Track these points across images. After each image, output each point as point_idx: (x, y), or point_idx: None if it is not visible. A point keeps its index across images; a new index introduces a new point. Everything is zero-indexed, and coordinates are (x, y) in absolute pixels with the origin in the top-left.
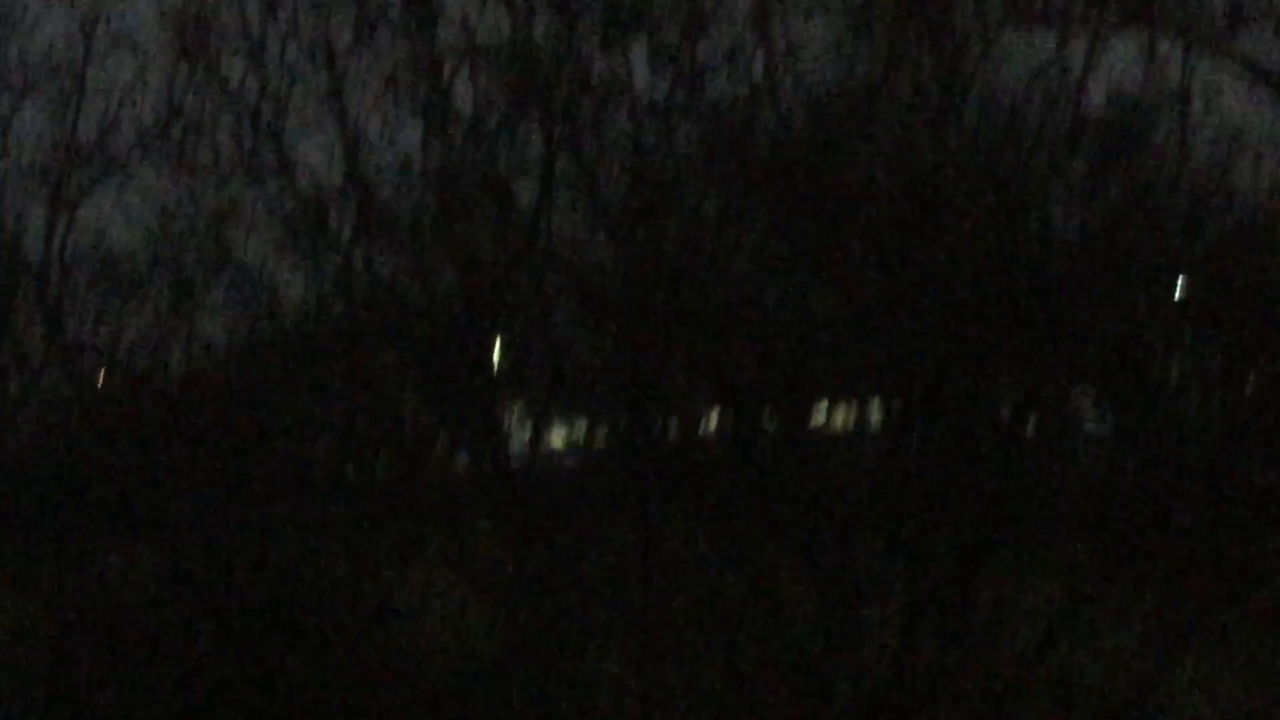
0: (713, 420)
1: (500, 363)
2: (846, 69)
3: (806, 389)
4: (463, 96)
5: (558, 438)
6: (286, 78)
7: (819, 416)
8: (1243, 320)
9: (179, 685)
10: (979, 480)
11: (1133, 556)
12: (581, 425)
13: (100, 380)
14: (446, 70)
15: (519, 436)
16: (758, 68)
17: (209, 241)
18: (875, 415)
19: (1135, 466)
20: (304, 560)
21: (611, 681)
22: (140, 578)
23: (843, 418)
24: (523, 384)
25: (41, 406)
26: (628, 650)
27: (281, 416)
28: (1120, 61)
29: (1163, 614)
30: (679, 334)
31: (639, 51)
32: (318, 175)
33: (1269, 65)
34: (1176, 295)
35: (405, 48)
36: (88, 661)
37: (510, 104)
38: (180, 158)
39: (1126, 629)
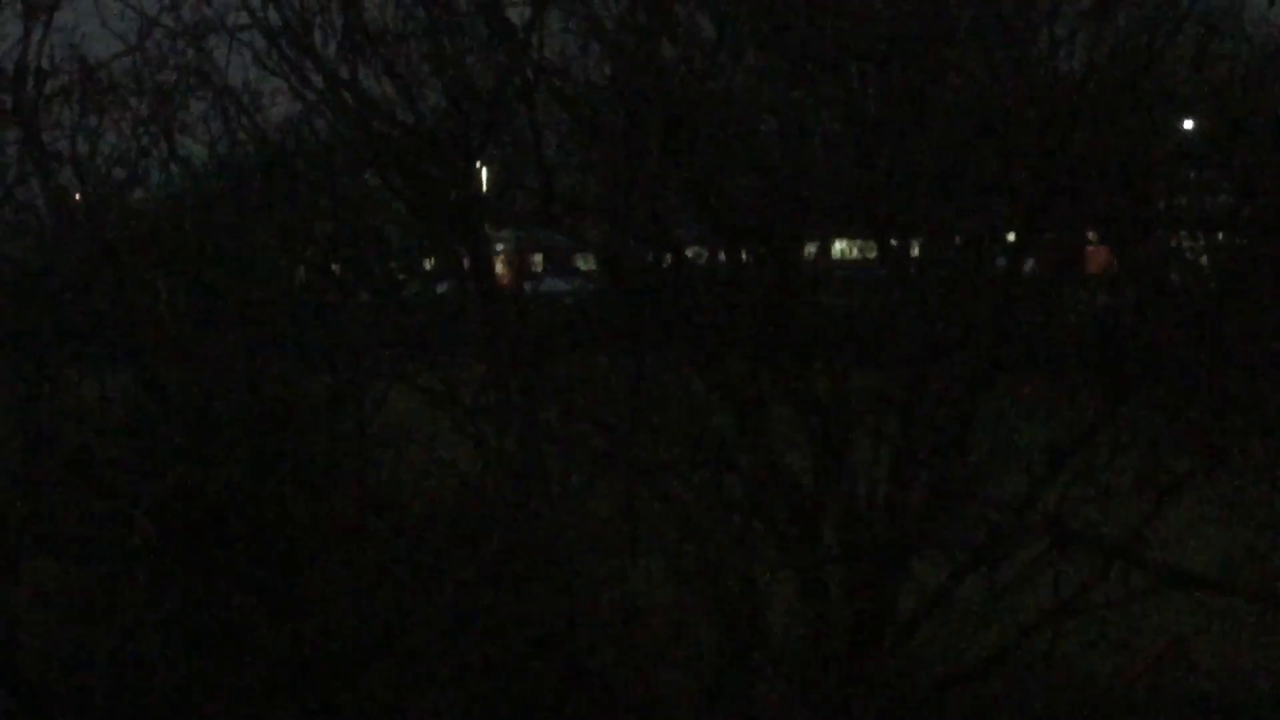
0: (706, 249)
1: (488, 186)
2: None
3: (803, 219)
4: None
5: (546, 264)
6: None
7: (815, 248)
8: (1250, 157)
9: (152, 510)
10: (976, 318)
11: (1130, 398)
12: (571, 252)
13: (77, 194)
14: None
15: (507, 261)
16: None
17: (190, 54)
18: (872, 248)
19: (1135, 306)
20: (283, 386)
21: (597, 514)
22: (115, 400)
23: (839, 250)
24: (511, 208)
25: (17, 220)
26: (614, 483)
27: (262, 237)
28: None
29: (1158, 457)
30: (673, 159)
31: None
32: None
33: None
34: (1183, 130)
35: None
36: (59, 484)
37: None
38: None
39: (1120, 472)
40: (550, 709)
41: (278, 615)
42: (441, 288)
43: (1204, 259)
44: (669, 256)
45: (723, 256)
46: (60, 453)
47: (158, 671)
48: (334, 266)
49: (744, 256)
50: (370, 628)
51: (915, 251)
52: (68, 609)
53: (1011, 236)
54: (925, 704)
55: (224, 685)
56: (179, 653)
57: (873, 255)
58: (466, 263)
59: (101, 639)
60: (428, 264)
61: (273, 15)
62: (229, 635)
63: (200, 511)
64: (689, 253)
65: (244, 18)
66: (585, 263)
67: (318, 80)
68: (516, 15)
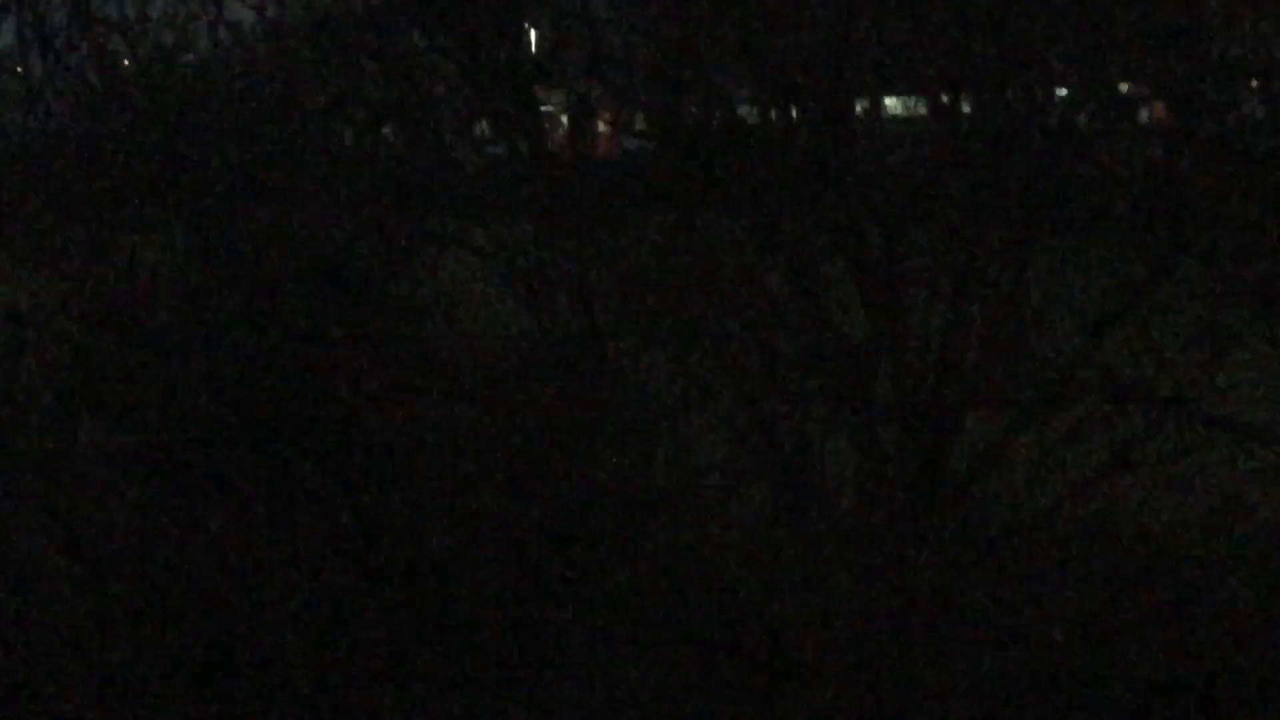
0: (757, 108)
1: (537, 46)
2: None
3: (852, 71)
4: None
5: (596, 124)
6: None
7: (864, 101)
8: None
9: (207, 375)
10: (1029, 169)
11: (1185, 251)
12: (621, 111)
13: (126, 59)
14: None
15: (556, 123)
16: None
17: None
18: (922, 102)
19: (1191, 159)
20: (335, 246)
21: (645, 372)
22: (169, 259)
23: (889, 104)
24: (560, 68)
25: (67, 84)
26: (665, 342)
27: (312, 100)
28: None
29: (1213, 310)
30: (723, 17)
31: None
32: None
33: None
34: None
35: None
36: (116, 344)
37: None
38: None
39: (1175, 325)
40: (605, 570)
41: (334, 480)
42: (492, 149)
43: (1259, 112)
44: (720, 116)
45: (774, 115)
46: (115, 318)
47: (216, 536)
48: (384, 129)
49: (795, 114)
50: (425, 491)
51: (966, 107)
52: (125, 476)
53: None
54: (980, 560)
55: (283, 550)
56: (236, 518)
57: (924, 112)
58: (517, 124)
59: (159, 505)
60: (478, 126)
61: None
62: (286, 499)
63: (254, 376)
64: (740, 112)
65: None
66: (635, 123)
67: None
68: None
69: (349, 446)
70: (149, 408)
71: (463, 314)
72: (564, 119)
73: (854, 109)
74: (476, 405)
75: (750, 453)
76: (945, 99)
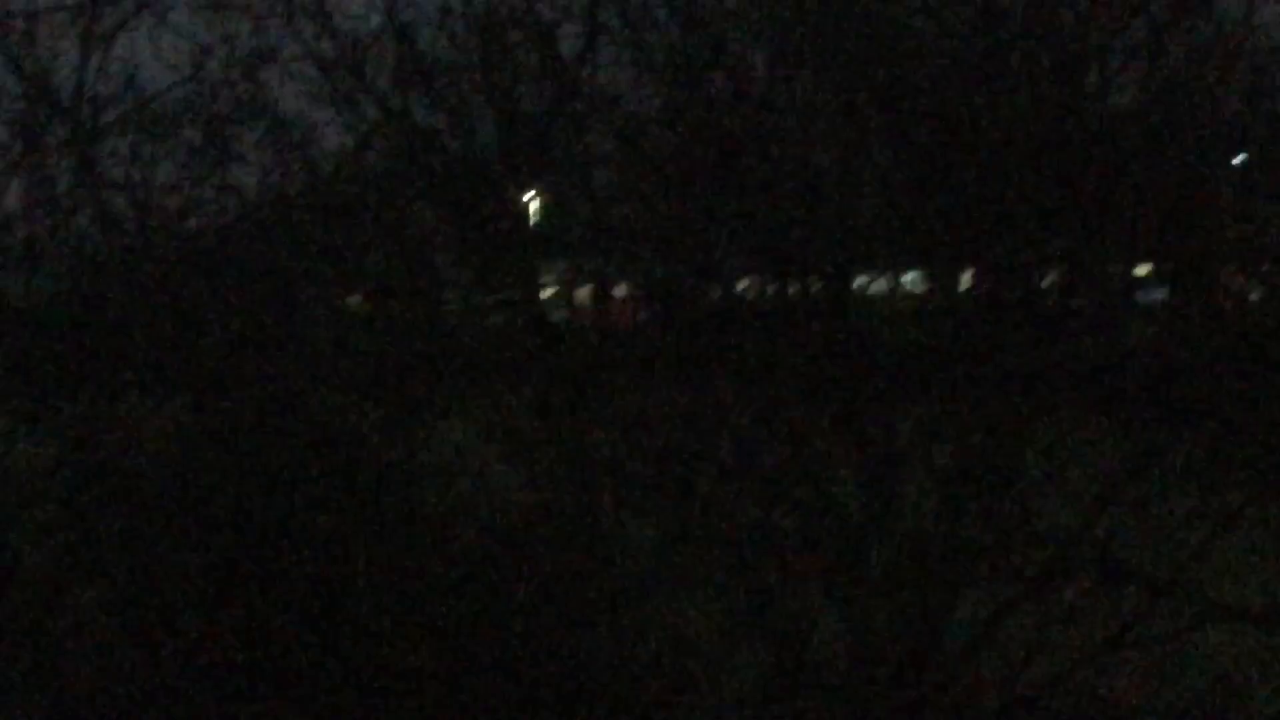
0: (755, 282)
1: (539, 217)
2: None
3: (852, 251)
4: None
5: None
6: None
7: (864, 280)
8: None
9: (203, 540)
10: (1025, 350)
11: (1181, 432)
12: (621, 284)
13: (131, 224)
14: None
15: (557, 294)
16: None
17: (243, 84)
18: (921, 281)
19: (1188, 340)
20: (334, 415)
21: (644, 545)
22: (167, 428)
23: (888, 283)
24: (562, 240)
25: (71, 249)
26: (662, 514)
27: (315, 268)
28: None
29: (1210, 490)
30: (724, 192)
31: None
32: (355, 20)
33: None
34: (1236, 164)
35: None
36: (110, 513)
37: None
38: None
39: (1172, 505)
40: None
41: (325, 647)
42: (492, 317)
43: (1255, 294)
44: (719, 287)
45: (772, 288)
46: (110, 482)
47: (207, 702)
48: (385, 297)
49: (793, 288)
50: (418, 659)
51: (965, 283)
52: (116, 640)
53: (1061, 271)
54: None
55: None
56: (227, 683)
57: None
58: (518, 294)
59: (151, 670)
60: (479, 294)
61: (326, 46)
62: (278, 667)
63: (250, 542)
64: (739, 284)
65: (298, 49)
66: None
67: (370, 111)
68: (568, 47)
69: (341, 615)
70: (141, 574)
71: (459, 482)
72: (568, 291)
73: (851, 284)
74: (471, 574)
75: (744, 624)
76: (944, 276)
